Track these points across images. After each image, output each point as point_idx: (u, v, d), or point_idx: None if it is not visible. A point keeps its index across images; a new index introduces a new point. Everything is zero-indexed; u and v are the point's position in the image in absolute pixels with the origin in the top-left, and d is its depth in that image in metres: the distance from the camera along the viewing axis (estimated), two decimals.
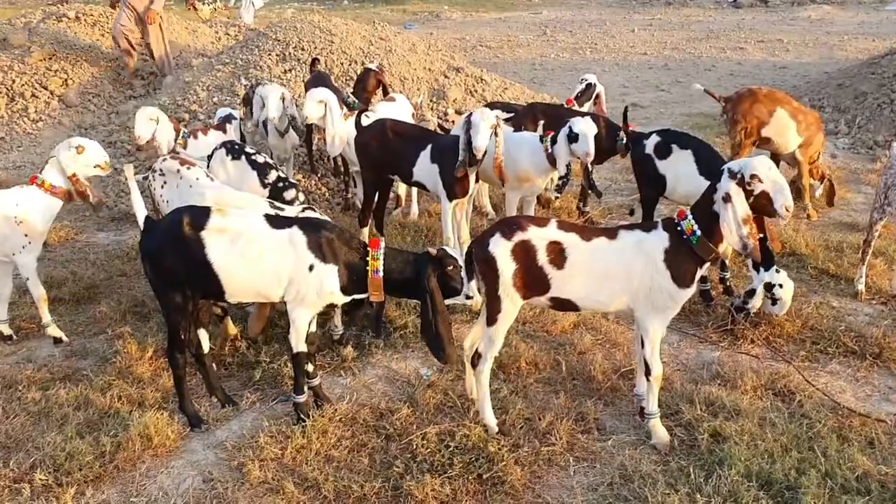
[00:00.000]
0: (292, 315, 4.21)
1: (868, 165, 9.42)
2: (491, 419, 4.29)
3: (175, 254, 4.05)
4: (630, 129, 6.57)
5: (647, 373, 4.20)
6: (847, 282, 6.18)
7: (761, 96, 7.12)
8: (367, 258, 4.15)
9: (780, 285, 5.23)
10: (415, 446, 4.11)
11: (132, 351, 5.01)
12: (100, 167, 5.25)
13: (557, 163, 5.90)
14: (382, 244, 4.19)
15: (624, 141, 6.49)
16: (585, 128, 5.68)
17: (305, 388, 4.39)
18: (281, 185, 5.52)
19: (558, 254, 4.04)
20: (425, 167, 5.82)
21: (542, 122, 7.02)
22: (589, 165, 5.70)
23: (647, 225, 4.16)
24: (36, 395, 4.58)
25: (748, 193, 3.84)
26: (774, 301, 5.28)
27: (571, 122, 5.72)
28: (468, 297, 4.26)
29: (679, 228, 3.99)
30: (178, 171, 5.19)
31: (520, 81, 12.82)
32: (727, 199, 3.82)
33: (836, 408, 4.52)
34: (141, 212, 4.18)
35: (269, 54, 9.88)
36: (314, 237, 4.14)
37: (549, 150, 5.88)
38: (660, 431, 4.22)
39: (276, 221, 4.23)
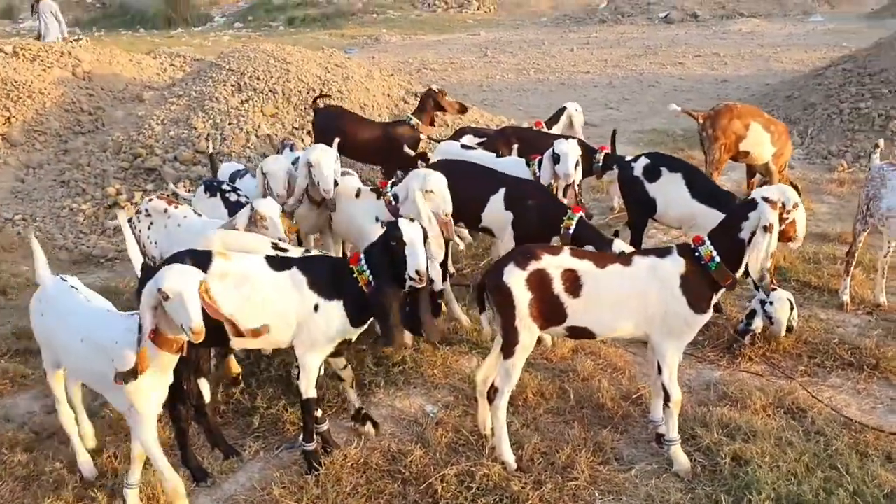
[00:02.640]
0: (302, 360, 4.03)
1: (826, 175, 9.63)
2: (509, 455, 4.16)
3: None
4: (604, 150, 6.58)
5: (667, 399, 4.13)
6: (830, 293, 6.25)
7: (737, 111, 7.23)
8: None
9: (772, 303, 5.25)
10: (435, 490, 3.97)
11: None
12: None
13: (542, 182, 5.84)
14: (361, 254, 4.04)
15: (601, 163, 6.49)
16: (567, 149, 5.63)
17: (315, 436, 4.20)
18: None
19: (573, 282, 3.97)
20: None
21: (515, 145, 6.99)
22: (575, 187, 5.65)
23: (661, 250, 4.11)
24: (22, 458, 4.28)
25: (781, 221, 3.84)
26: (771, 320, 5.29)
27: (555, 144, 5.68)
28: (411, 279, 3.90)
29: (697, 254, 3.95)
30: (166, 210, 4.97)
31: (471, 103, 12.79)
32: (769, 228, 3.79)
33: (848, 423, 4.52)
34: (137, 259, 3.99)
35: (224, 85, 9.65)
36: (314, 276, 3.99)
37: (538, 174, 5.82)
38: (681, 458, 4.16)
39: (277, 263, 4.07)
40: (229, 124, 8.98)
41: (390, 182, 5.38)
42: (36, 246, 4.13)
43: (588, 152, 6.42)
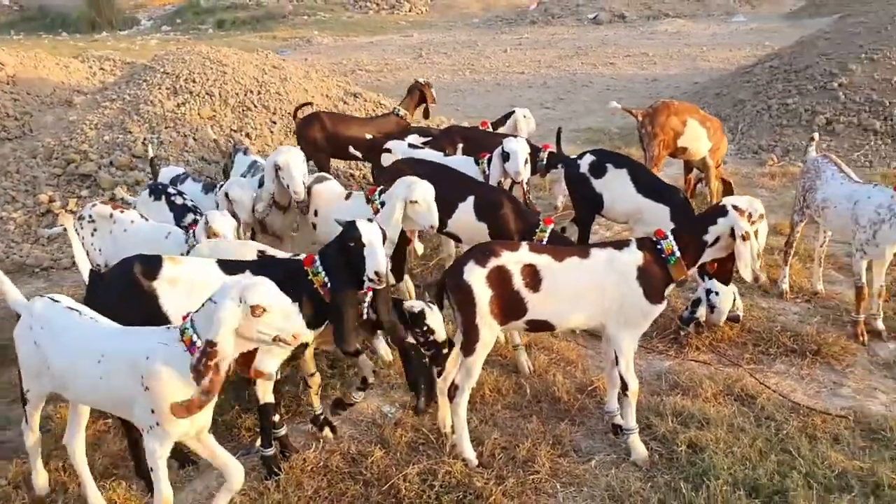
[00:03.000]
0: (259, 365, 3.95)
1: (757, 169, 9.90)
2: (470, 452, 4.17)
3: (127, 307, 3.75)
4: (548, 149, 6.65)
5: (624, 389, 4.19)
6: (769, 282, 6.42)
7: (674, 108, 7.37)
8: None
9: (717, 293, 5.37)
10: (398, 490, 3.95)
11: (65, 415, 4.57)
12: None
13: (491, 181, 5.86)
14: (316, 256, 3.98)
15: (545, 161, 6.56)
16: (517, 147, 5.68)
17: (273, 441, 4.13)
18: None
19: (533, 276, 4.00)
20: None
21: (460, 144, 7.01)
22: (524, 186, 5.70)
23: (618, 243, 4.17)
24: None
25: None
26: (712, 308, 5.41)
27: (504, 142, 5.71)
28: (370, 280, 3.85)
29: (659, 247, 4.03)
30: (111, 215, 4.83)
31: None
32: (746, 237, 3.91)
33: (796, 408, 4.66)
34: (85, 265, 3.87)
35: (159, 88, 9.44)
36: (268, 279, 3.91)
37: (487, 172, 5.85)
38: (639, 447, 4.23)
39: (230, 267, 3.99)
40: (166, 128, 8.78)
41: (378, 189, 5.21)
42: (73, 235, 4.04)
43: (532, 151, 6.48)
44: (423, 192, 4.65)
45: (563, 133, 8.81)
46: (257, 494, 3.93)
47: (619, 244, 4.16)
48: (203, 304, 3.25)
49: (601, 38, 24.48)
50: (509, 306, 4.02)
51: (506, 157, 5.69)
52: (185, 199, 5.47)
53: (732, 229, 3.96)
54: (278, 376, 4.07)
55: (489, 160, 5.88)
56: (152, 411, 3.24)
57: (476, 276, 3.95)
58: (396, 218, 4.60)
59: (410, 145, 6.53)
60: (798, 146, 10.52)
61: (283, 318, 3.17)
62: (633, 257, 4.04)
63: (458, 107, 14.79)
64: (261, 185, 5.76)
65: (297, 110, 8.15)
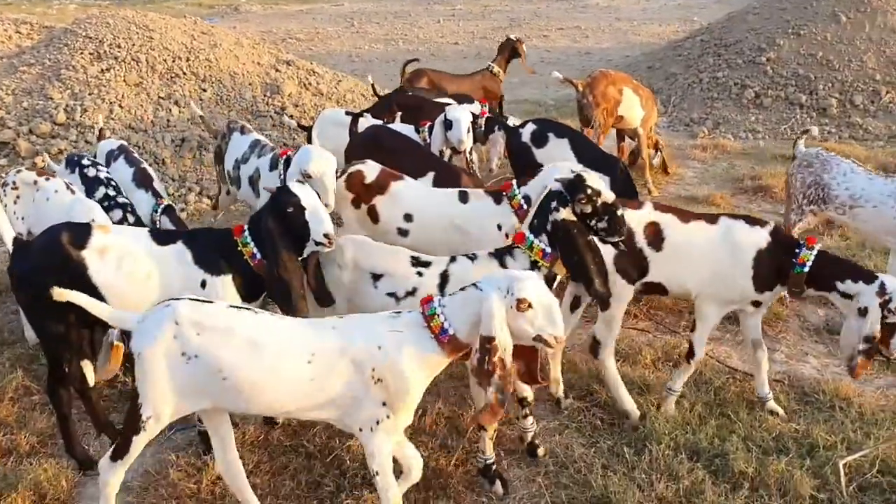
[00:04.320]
0: None
1: (689, 142, 10.05)
2: (631, 405, 4.33)
3: (54, 277, 3.55)
4: (484, 115, 6.60)
5: (689, 356, 4.30)
6: None
7: (612, 77, 7.41)
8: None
9: None
10: (341, 462, 3.89)
11: None
12: None
13: (432, 149, 5.78)
14: (245, 226, 3.80)
15: (482, 127, 6.51)
16: (459, 115, 5.61)
17: None
18: (106, 203, 5.00)
19: (656, 235, 4.05)
20: None
21: (398, 113, 6.91)
22: (467, 155, 5.64)
23: (755, 220, 4.18)
24: None
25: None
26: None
27: (447, 110, 5.64)
28: (319, 243, 3.67)
29: (796, 249, 4.02)
30: (36, 182, 4.59)
31: (341, 75, 12.58)
32: (863, 313, 3.89)
33: (733, 373, 4.75)
34: (8, 232, 3.64)
35: (82, 53, 9.03)
36: (200, 249, 3.76)
37: (427, 140, 5.76)
38: (671, 408, 4.32)
39: (161, 236, 3.82)
40: (90, 94, 8.42)
41: (515, 182, 4.57)
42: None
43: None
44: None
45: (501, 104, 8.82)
46: (195, 470, 3.82)
47: (755, 221, 4.14)
48: (462, 290, 3.09)
49: (534, 10, 24.51)
50: (631, 264, 4.08)
51: (448, 125, 5.61)
52: (98, 170, 5.22)
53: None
54: None
55: (430, 128, 5.80)
56: (384, 404, 3.06)
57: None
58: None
59: (347, 113, 6.38)
60: (728, 119, 10.73)
61: (547, 317, 2.97)
62: (759, 237, 4.03)
63: (391, 77, 14.62)
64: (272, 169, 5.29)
65: (406, 65, 8.85)
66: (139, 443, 3.13)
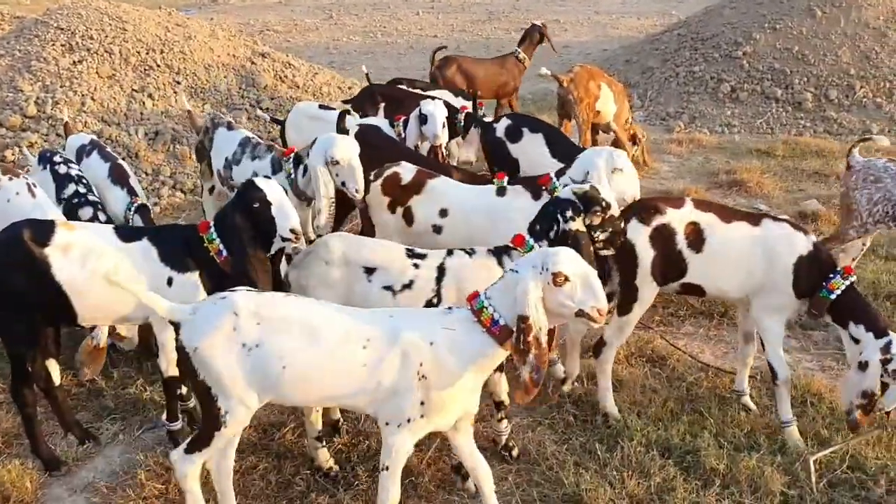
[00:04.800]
0: (160, 337, 3.77)
1: (665, 136, 10.07)
2: (613, 408, 4.26)
3: (16, 275, 3.51)
4: (465, 110, 6.58)
5: (773, 377, 4.07)
6: None
7: (592, 72, 7.44)
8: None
9: None
10: (313, 461, 3.85)
11: None
12: None
13: (407, 144, 5.74)
14: (211, 222, 3.74)
15: (462, 122, 6.48)
16: (434, 109, 5.57)
17: (180, 414, 3.97)
18: (76, 200, 4.96)
19: (696, 235, 3.96)
20: None
21: (382, 104, 6.87)
22: (442, 150, 5.61)
23: (798, 225, 4.10)
24: None
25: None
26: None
27: (422, 104, 5.60)
28: (286, 239, 3.61)
29: (835, 269, 3.93)
30: None
31: (318, 67, 12.50)
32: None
33: (705, 368, 4.76)
34: None
35: (53, 44, 8.89)
36: (166, 247, 3.69)
37: (403, 135, 5.72)
38: (796, 438, 4.01)
39: (127, 234, 3.76)
40: (61, 87, 8.29)
41: (554, 174, 4.51)
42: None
43: (450, 113, 6.39)
44: (623, 158, 4.27)
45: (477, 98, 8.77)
46: (164, 470, 3.75)
47: (798, 226, 4.04)
48: (500, 278, 3.04)
49: (513, 3, 24.42)
50: (670, 266, 3.99)
51: (423, 119, 5.57)
52: (70, 167, 5.15)
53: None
54: None
55: (405, 122, 5.76)
56: (422, 402, 2.98)
57: (640, 235, 3.86)
58: (607, 186, 4.04)
59: (321, 106, 6.34)
60: (704, 113, 10.75)
61: (586, 288, 2.89)
62: (802, 244, 3.93)
63: (371, 69, 14.55)
64: (276, 172, 4.94)
65: (435, 53, 9.05)
66: (222, 438, 3.08)
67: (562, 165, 5.64)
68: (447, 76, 8.70)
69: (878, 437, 4.00)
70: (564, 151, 5.72)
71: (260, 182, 3.65)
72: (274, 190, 3.62)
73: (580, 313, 2.91)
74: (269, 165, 5.05)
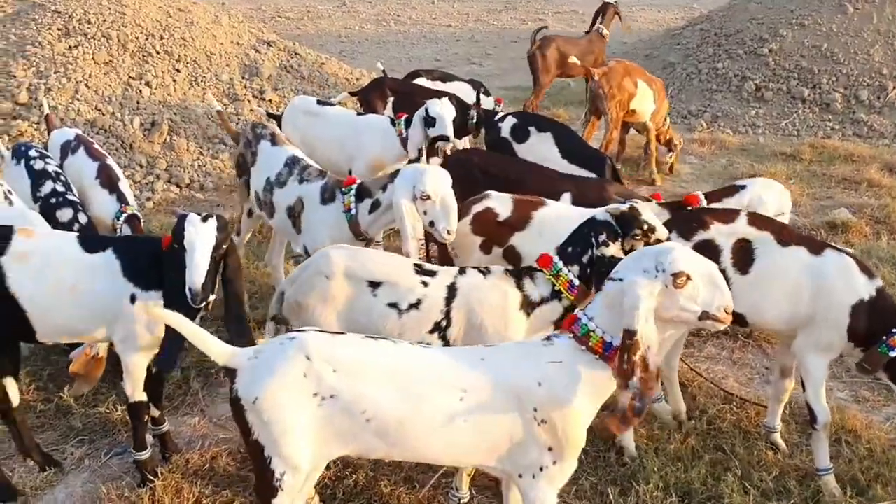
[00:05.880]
0: (124, 360, 3.39)
1: (687, 135, 9.62)
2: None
3: None
4: (479, 108, 6.24)
5: (812, 421, 3.62)
6: None
7: (629, 68, 7.07)
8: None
9: None
10: None
11: None
12: None
13: (409, 146, 5.34)
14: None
15: (475, 120, 6.11)
16: (443, 110, 5.13)
17: (148, 444, 3.60)
18: (54, 200, 4.58)
19: (745, 254, 3.53)
20: None
21: (391, 98, 6.51)
22: (448, 151, 5.21)
23: (863, 264, 3.59)
24: None
25: None
26: None
27: (428, 105, 5.17)
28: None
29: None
30: None
31: (327, 55, 12.12)
32: None
33: (729, 398, 4.35)
34: None
35: (50, 29, 8.53)
36: (131, 260, 3.31)
37: (404, 134, 5.31)
38: (832, 487, 3.58)
39: (90, 243, 3.38)
40: (55, 73, 7.93)
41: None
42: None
43: (462, 109, 6.00)
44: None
45: (492, 91, 8.39)
46: (129, 503, 3.41)
47: (865, 267, 3.53)
48: (601, 291, 2.62)
49: None
50: None
51: (431, 122, 5.12)
52: (47, 162, 4.79)
53: None
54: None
55: (407, 121, 5.32)
56: (549, 449, 2.60)
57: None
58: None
59: (320, 101, 5.95)
60: (727, 112, 10.32)
61: (711, 286, 2.52)
62: (866, 287, 3.44)
63: (382, 59, 14.18)
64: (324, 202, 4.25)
65: (536, 33, 9.39)
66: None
67: (573, 168, 5.28)
68: (547, 56, 9.15)
69: None
70: (576, 153, 5.34)
71: (191, 217, 3.13)
72: (197, 230, 3.10)
73: (704, 316, 2.52)
74: (317, 192, 4.28)
